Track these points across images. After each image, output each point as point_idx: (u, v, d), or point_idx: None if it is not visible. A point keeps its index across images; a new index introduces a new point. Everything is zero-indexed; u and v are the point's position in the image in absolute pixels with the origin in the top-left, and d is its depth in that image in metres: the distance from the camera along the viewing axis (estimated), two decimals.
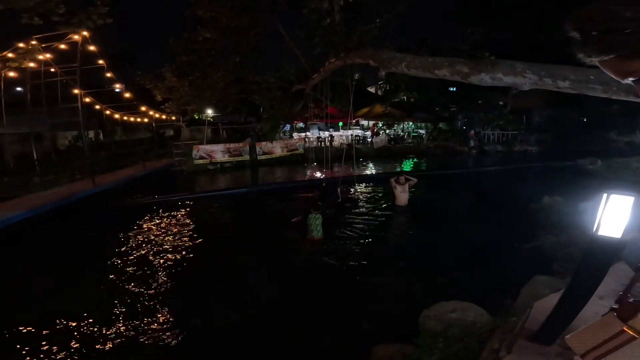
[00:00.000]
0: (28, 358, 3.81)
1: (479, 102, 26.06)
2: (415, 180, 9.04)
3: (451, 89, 26.93)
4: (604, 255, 1.89)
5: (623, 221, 1.77)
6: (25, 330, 4.26)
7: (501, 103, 24.48)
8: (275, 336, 4.18)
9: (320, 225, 6.78)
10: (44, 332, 4.23)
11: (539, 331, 2.31)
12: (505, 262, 5.63)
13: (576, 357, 2.13)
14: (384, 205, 9.90)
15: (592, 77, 4.43)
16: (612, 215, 1.78)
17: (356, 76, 17.32)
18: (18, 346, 3.98)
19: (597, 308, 2.70)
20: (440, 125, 28.04)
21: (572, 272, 2.23)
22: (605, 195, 1.79)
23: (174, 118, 21.87)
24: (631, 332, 1.75)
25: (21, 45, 10.07)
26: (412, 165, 19.77)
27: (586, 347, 1.94)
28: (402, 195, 8.91)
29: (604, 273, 1.96)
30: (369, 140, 24.29)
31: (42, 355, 3.84)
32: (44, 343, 4.03)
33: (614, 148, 20.83)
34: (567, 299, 2.09)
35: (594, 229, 1.84)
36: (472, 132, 25.32)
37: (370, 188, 12.41)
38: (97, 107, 17.57)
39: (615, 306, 1.86)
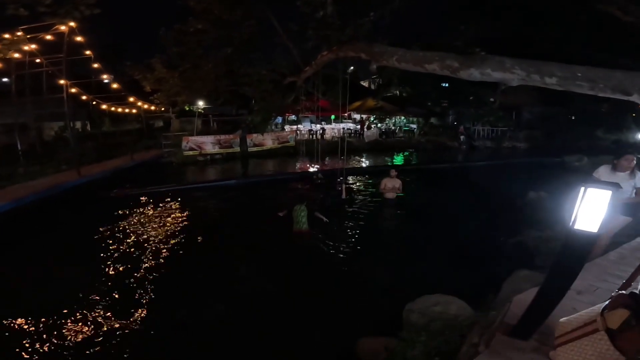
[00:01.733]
0: (11, 352, 3.75)
1: (470, 98, 26.21)
2: (402, 194, 9.04)
3: (443, 85, 27.01)
4: (580, 249, 1.89)
5: (600, 215, 1.77)
6: (8, 324, 4.19)
7: (491, 99, 24.66)
8: (262, 329, 4.18)
9: (306, 217, 6.74)
10: (27, 326, 4.17)
11: (516, 326, 2.33)
12: (490, 256, 5.71)
13: (551, 353, 2.17)
14: (371, 199, 9.92)
15: (579, 74, 4.46)
16: (588, 209, 1.78)
17: (350, 69, 17.26)
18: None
19: (575, 304, 2.74)
20: (432, 120, 28.16)
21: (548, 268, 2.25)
22: (582, 188, 1.79)
23: (163, 109, 21.54)
24: (599, 324, 1.74)
25: (6, 36, 9.79)
26: (402, 159, 19.86)
27: (562, 331, 1.94)
28: (390, 189, 8.94)
29: (580, 267, 1.97)
30: (361, 133, 24.34)
31: (25, 349, 3.79)
32: (26, 336, 3.97)
33: (600, 146, 21.18)
34: (543, 293, 2.11)
35: (571, 223, 1.85)
36: (461, 128, 25.52)
37: (360, 181, 12.44)
38: (84, 97, 17.18)
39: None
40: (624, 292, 1.80)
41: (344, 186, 9.56)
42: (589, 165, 13.18)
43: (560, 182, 9.08)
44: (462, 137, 24.57)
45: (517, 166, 16.19)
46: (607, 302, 1.82)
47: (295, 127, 22.75)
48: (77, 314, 4.41)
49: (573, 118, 28.46)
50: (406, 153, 21.74)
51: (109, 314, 4.45)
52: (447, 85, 27.03)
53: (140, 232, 7.53)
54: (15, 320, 4.25)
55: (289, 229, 6.93)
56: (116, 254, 6.33)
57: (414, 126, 28.01)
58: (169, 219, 8.54)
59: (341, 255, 6.24)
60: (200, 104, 22.67)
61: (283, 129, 23.35)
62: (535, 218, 6.86)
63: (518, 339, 2.31)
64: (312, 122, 24.38)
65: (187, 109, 24.25)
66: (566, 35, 12.13)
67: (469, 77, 5.38)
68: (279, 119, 25.20)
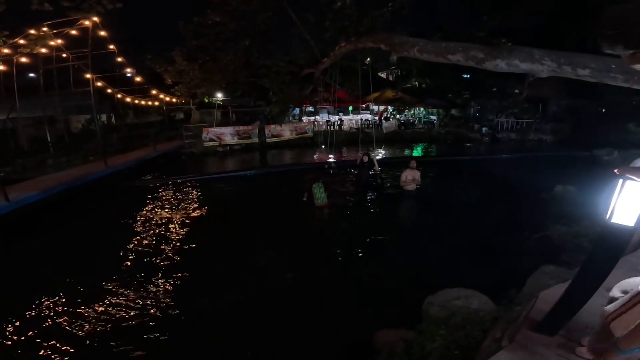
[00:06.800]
0: (41, 333, 3.96)
1: (493, 89, 25.41)
2: (419, 186, 9.01)
3: (465, 76, 26.29)
4: (616, 243, 1.82)
5: (638, 209, 1.71)
6: (37, 309, 4.41)
7: (516, 91, 23.82)
8: (279, 319, 4.23)
9: (324, 192, 7.68)
10: (49, 310, 4.39)
11: (543, 321, 2.28)
12: (513, 250, 5.59)
13: (578, 349, 2.12)
14: (391, 190, 9.84)
15: (613, 66, 4.29)
16: (626, 202, 1.70)
17: (367, 60, 17.03)
18: (28, 325, 4.12)
19: (603, 300, 2.65)
20: (453, 111, 27.54)
21: (581, 263, 2.18)
22: (620, 181, 1.72)
23: (184, 101, 21.94)
24: None
25: (32, 31, 10.07)
26: (421, 150, 19.58)
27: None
28: (410, 180, 8.84)
29: (615, 262, 1.90)
30: (379, 124, 24.08)
31: (46, 328, 4.01)
32: (53, 322, 4.18)
33: (632, 139, 20.20)
34: (574, 289, 2.05)
35: (607, 216, 1.78)
36: (477, 126, 24.75)
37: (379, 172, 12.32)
38: (109, 90, 17.72)
39: None
40: None
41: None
42: (619, 159, 12.62)
43: (588, 177, 8.76)
44: (484, 129, 23.92)
45: (543, 159, 15.67)
46: None
47: (312, 118, 22.74)
48: (99, 299, 4.59)
49: (603, 111, 27.20)
50: (425, 145, 21.39)
51: (129, 300, 4.60)
52: (468, 76, 26.30)
53: (162, 220, 7.75)
54: (42, 303, 4.49)
55: (307, 215, 7.44)
56: (140, 242, 6.54)
57: (433, 117, 27.48)
58: (190, 208, 8.74)
59: (360, 246, 6.24)
60: (219, 95, 22.96)
61: (300, 120, 23.39)
62: (562, 213, 6.64)
63: (544, 334, 2.27)
64: (329, 113, 24.30)
65: (207, 100, 24.62)
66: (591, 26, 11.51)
67: (494, 68, 5.23)
68: (297, 110, 25.23)
